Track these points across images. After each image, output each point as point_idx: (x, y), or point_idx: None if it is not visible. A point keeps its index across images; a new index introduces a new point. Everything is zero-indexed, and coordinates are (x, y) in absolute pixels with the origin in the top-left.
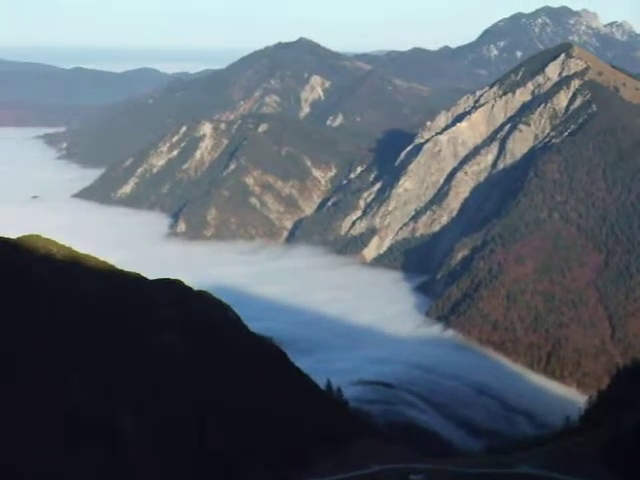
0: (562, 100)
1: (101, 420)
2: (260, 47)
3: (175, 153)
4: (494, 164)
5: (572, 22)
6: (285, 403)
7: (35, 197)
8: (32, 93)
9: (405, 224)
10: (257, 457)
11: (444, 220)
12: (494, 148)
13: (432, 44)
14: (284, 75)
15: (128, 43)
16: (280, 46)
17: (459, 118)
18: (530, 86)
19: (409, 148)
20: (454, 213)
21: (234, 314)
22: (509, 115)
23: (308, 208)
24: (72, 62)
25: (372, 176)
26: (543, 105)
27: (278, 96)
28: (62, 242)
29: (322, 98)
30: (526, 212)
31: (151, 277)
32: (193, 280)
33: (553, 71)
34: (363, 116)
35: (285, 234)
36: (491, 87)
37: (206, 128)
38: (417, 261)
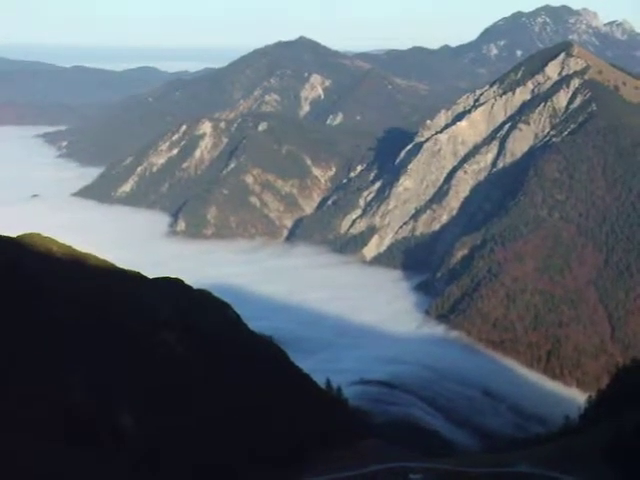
0: (562, 99)
1: (101, 419)
2: (260, 46)
3: (175, 152)
4: (494, 163)
5: (572, 21)
6: (284, 402)
7: (35, 196)
8: (32, 92)
9: (405, 223)
10: (256, 457)
11: (444, 219)
12: (494, 147)
13: (432, 43)
14: (284, 74)
15: (128, 42)
16: (280, 45)
17: (459, 117)
18: (530, 85)
19: (409, 147)
20: (454, 212)
21: (234, 313)
22: (509, 114)
23: (308, 207)
24: (72, 61)
25: (372, 175)
26: (543, 104)
27: (278, 95)
28: (62, 241)
29: (322, 97)
30: (526, 211)
31: (151, 276)
32: (193, 279)
33: (553, 70)
34: (363, 115)
35: (285, 233)
36: (491, 86)
37: (206, 127)
38: (417, 260)
